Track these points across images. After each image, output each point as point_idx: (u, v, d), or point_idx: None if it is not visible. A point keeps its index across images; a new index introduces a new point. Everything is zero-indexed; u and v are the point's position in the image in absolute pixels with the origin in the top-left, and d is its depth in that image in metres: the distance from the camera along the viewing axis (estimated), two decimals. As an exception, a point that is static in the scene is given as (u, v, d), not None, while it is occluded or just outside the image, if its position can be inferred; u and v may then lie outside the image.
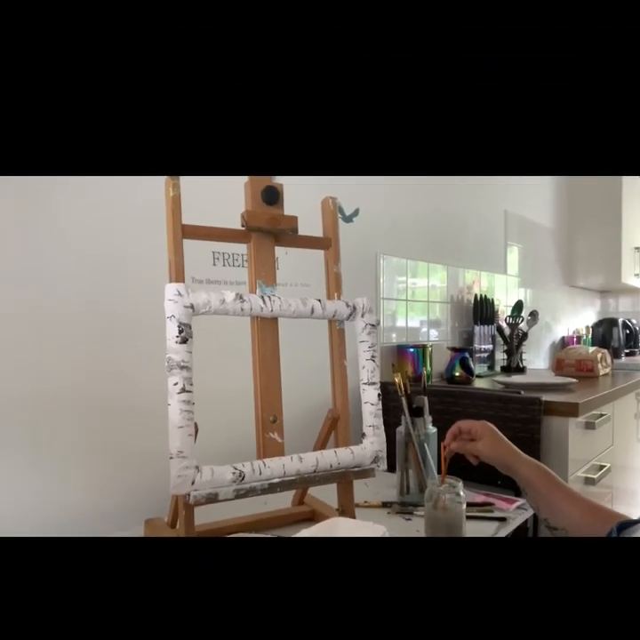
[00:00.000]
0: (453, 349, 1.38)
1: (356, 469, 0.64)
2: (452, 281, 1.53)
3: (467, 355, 1.35)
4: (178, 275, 0.57)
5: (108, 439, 0.74)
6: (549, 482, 0.58)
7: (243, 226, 0.62)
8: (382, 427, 0.66)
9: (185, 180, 0.58)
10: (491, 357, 1.62)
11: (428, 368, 1.26)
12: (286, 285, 0.95)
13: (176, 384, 0.54)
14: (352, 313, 0.67)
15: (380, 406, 0.67)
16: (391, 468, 0.76)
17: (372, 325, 0.68)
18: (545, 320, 2.08)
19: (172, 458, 0.53)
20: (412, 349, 1.25)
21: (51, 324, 0.69)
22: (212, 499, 0.55)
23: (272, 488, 0.58)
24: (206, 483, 0.54)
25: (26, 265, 0.67)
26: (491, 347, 1.61)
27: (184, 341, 0.55)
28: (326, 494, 0.70)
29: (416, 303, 1.38)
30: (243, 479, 0.56)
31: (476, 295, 1.58)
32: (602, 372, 1.49)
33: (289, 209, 0.64)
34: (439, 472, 0.66)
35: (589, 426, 1.13)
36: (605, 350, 1.56)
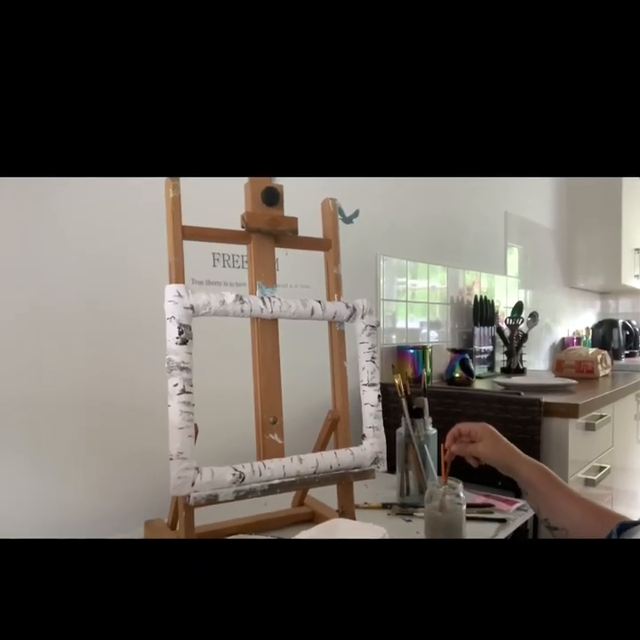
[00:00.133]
0: (453, 351, 1.38)
1: (356, 471, 0.64)
2: (451, 282, 1.53)
3: (467, 356, 1.35)
4: (178, 276, 0.57)
5: (107, 440, 0.74)
6: (550, 482, 0.58)
7: (243, 227, 0.62)
8: (382, 428, 0.66)
9: (185, 181, 0.58)
10: (491, 359, 1.62)
11: (428, 369, 1.26)
12: (286, 287, 0.95)
13: (176, 385, 0.54)
14: (352, 314, 0.67)
15: (380, 407, 0.67)
16: (391, 469, 0.75)
17: (372, 327, 0.68)
18: (545, 321, 2.08)
19: (171, 459, 0.53)
20: (412, 351, 1.25)
21: (51, 324, 0.69)
22: (212, 500, 0.55)
23: (272, 489, 0.58)
24: (206, 484, 0.54)
25: (26, 265, 0.67)
26: (491, 348, 1.61)
27: (184, 342, 0.55)
28: (326, 496, 0.70)
29: (416, 304, 1.38)
30: (243, 480, 0.56)
31: (475, 296, 1.58)
32: (602, 374, 1.49)
33: (289, 210, 0.64)
34: (439, 473, 0.66)
35: (589, 427, 1.13)
36: (605, 351, 1.56)
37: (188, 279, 0.59)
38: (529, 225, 1.97)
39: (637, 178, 2.20)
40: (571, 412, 1.03)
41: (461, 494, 0.61)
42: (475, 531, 0.66)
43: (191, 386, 0.55)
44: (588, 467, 1.17)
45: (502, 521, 0.71)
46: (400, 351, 1.27)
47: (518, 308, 1.71)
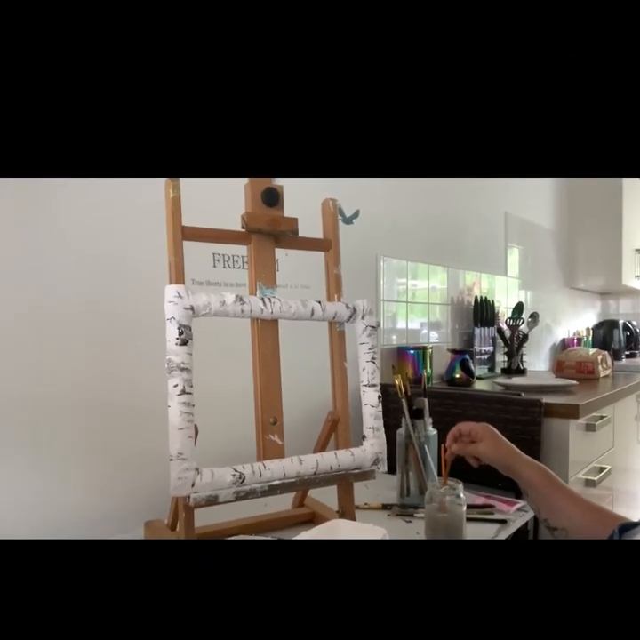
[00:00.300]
0: (454, 351, 1.37)
1: (357, 471, 0.64)
2: (452, 283, 1.53)
3: (467, 357, 1.35)
4: (178, 276, 0.57)
5: (107, 440, 0.74)
6: (550, 482, 0.58)
7: (243, 227, 0.62)
8: (382, 428, 0.66)
9: (185, 182, 0.58)
10: (491, 359, 1.61)
11: (429, 370, 1.26)
12: (286, 287, 0.95)
13: (176, 386, 0.54)
14: (352, 315, 0.67)
15: (381, 408, 0.67)
16: (391, 469, 0.75)
17: (373, 327, 0.67)
18: (545, 322, 2.08)
19: (171, 460, 0.53)
20: (412, 351, 1.25)
21: (51, 324, 0.69)
22: (212, 501, 0.55)
23: (272, 490, 0.58)
24: (206, 485, 0.54)
25: (26, 265, 0.67)
26: (491, 349, 1.61)
27: (184, 343, 0.55)
28: (326, 496, 0.70)
29: (416, 305, 1.38)
30: (243, 481, 0.56)
31: (476, 297, 1.57)
32: (602, 374, 1.49)
33: (289, 211, 0.64)
34: (439, 474, 0.66)
35: (590, 428, 1.13)
36: (606, 352, 1.56)
37: (188, 280, 0.59)
38: (529, 225, 1.97)
39: (638, 178, 2.20)
40: (571, 412, 1.03)
41: (462, 495, 0.61)
42: (475, 531, 0.66)
43: (191, 386, 0.55)
44: (589, 467, 1.17)
45: (503, 522, 0.71)
46: (400, 352, 1.27)
47: (519, 308, 1.71)
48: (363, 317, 0.67)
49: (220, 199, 0.78)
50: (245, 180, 0.63)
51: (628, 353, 2.39)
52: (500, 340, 1.65)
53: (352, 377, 0.67)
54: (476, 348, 1.54)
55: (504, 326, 1.68)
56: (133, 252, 0.77)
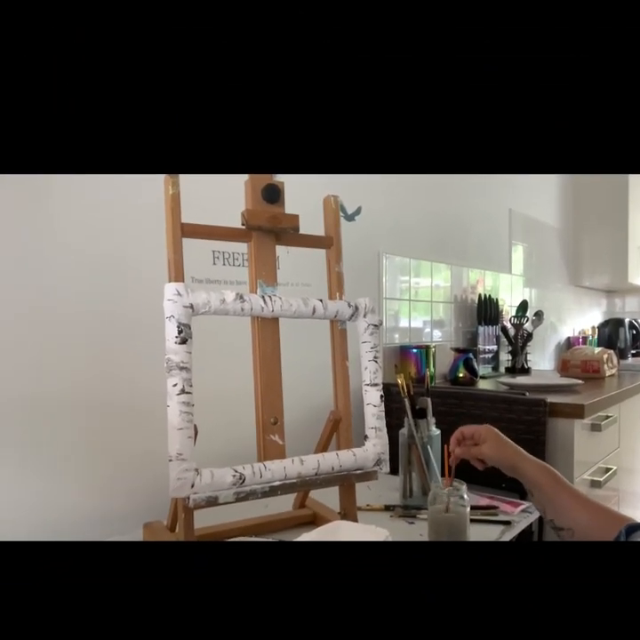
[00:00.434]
0: (457, 350, 1.36)
1: (358, 472, 0.63)
2: (455, 280, 1.52)
3: (470, 355, 1.34)
4: (177, 274, 0.57)
5: (107, 440, 0.73)
6: (556, 482, 0.58)
7: (243, 224, 0.62)
8: (385, 428, 0.65)
9: (184, 179, 0.58)
10: (495, 358, 1.60)
11: (432, 369, 1.25)
12: (287, 285, 0.94)
13: (175, 385, 0.54)
14: (354, 313, 0.66)
15: (383, 408, 0.66)
16: (394, 470, 0.75)
17: (375, 326, 0.67)
18: (550, 320, 2.06)
19: (171, 460, 0.53)
20: (415, 350, 1.24)
21: (51, 324, 0.68)
22: (212, 502, 0.54)
23: (273, 491, 0.57)
24: (206, 485, 0.53)
25: (26, 265, 0.66)
26: (495, 347, 1.60)
27: (183, 342, 0.54)
28: (328, 497, 0.70)
29: (419, 303, 1.37)
30: (243, 482, 0.55)
31: (479, 295, 1.56)
32: (608, 373, 1.47)
33: (290, 207, 0.64)
34: (442, 474, 0.65)
35: (595, 428, 1.12)
36: (611, 351, 1.55)
37: (187, 277, 0.59)
38: (534, 222, 1.96)
39: (644, 175, 2.17)
40: (576, 412, 1.02)
41: (465, 496, 0.60)
42: (479, 533, 0.66)
43: (191, 386, 0.54)
44: (594, 468, 1.16)
45: (507, 523, 0.70)
46: (403, 351, 1.26)
47: (523, 306, 1.70)
48: (365, 316, 0.66)
49: (220, 196, 0.77)
50: (246, 177, 0.62)
51: (633, 352, 2.37)
52: (504, 339, 1.64)
53: (354, 376, 0.67)
54: (480, 346, 1.53)
55: (508, 325, 1.66)
56: (133, 251, 0.76)
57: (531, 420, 0.98)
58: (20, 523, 0.65)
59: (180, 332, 0.54)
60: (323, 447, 0.66)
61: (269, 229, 0.62)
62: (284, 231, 0.63)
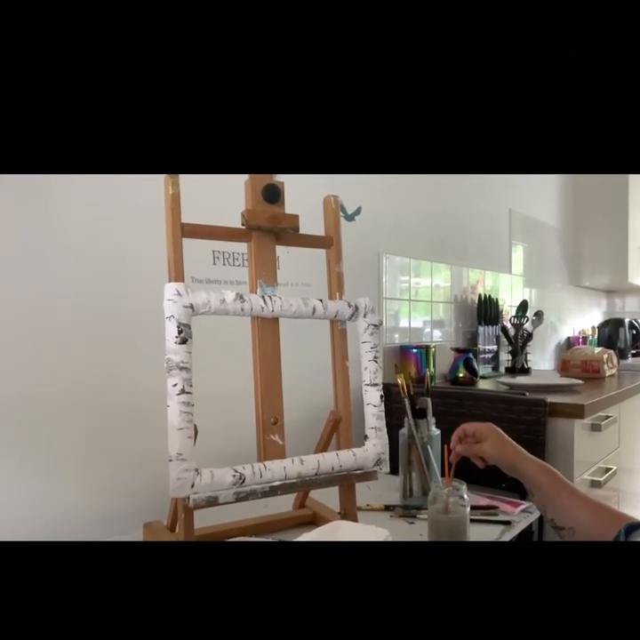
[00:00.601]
0: (457, 350, 1.36)
1: (358, 472, 0.63)
2: (455, 280, 1.52)
3: (470, 355, 1.34)
4: (177, 274, 0.57)
5: (107, 440, 0.73)
6: (556, 482, 0.58)
7: (243, 224, 0.62)
8: (385, 428, 0.65)
9: (185, 179, 0.58)
10: (495, 358, 1.60)
11: (432, 369, 1.25)
12: (287, 285, 0.94)
13: (175, 385, 0.54)
14: (354, 313, 0.66)
15: (383, 408, 0.66)
16: (394, 470, 0.74)
17: (375, 326, 0.67)
18: (550, 320, 2.06)
19: (171, 460, 0.53)
20: (415, 350, 1.24)
21: (51, 324, 0.68)
22: (212, 502, 0.54)
23: (273, 491, 0.57)
24: (206, 485, 0.53)
25: (26, 265, 0.66)
26: (495, 347, 1.60)
27: (183, 342, 0.54)
28: (328, 497, 0.70)
29: (419, 303, 1.37)
30: (243, 482, 0.55)
31: (479, 295, 1.56)
32: (608, 373, 1.47)
33: (290, 207, 0.64)
34: (442, 474, 0.65)
35: (595, 428, 1.12)
36: (611, 351, 1.55)
37: (187, 277, 0.59)
38: (534, 222, 1.96)
39: (644, 175, 2.17)
40: (576, 412, 1.01)
41: (465, 496, 0.60)
42: (479, 533, 0.66)
43: (191, 386, 0.54)
44: (594, 468, 1.16)
45: (507, 523, 0.70)
46: (403, 351, 1.26)
47: (523, 306, 1.70)
48: (365, 316, 0.66)
49: (220, 196, 0.77)
50: (246, 177, 0.62)
51: (633, 352, 2.37)
52: (504, 339, 1.64)
53: (354, 376, 0.67)
54: (480, 346, 1.53)
55: (508, 325, 1.66)
56: (133, 251, 0.76)
57: (531, 419, 0.98)
58: (20, 523, 0.65)
59: (180, 332, 0.54)
60: (323, 447, 0.66)
61: (269, 229, 0.62)
62: (284, 231, 0.63)
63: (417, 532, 0.68)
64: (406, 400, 0.78)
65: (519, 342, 1.63)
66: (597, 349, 1.53)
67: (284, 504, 0.72)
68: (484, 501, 0.77)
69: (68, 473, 0.69)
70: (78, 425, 0.71)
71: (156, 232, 0.62)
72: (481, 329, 1.54)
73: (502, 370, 1.63)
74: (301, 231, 0.64)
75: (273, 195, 0.62)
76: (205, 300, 0.56)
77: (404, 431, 0.79)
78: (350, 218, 1.12)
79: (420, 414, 0.78)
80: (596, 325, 2.46)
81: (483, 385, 1.34)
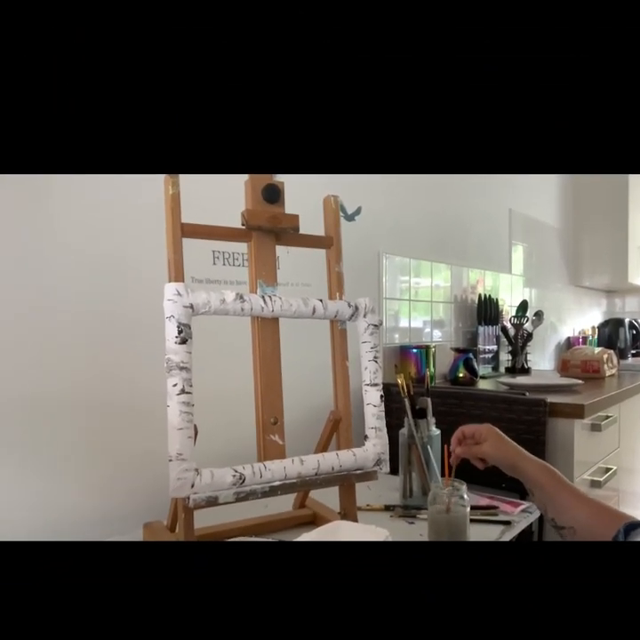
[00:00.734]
0: (457, 350, 1.36)
1: (358, 472, 0.63)
2: (455, 280, 1.52)
3: (470, 355, 1.34)
4: (177, 274, 0.57)
5: (107, 440, 0.73)
6: (556, 481, 0.58)
7: (243, 224, 0.62)
8: (385, 428, 0.65)
9: (184, 179, 0.58)
10: (495, 358, 1.60)
11: (432, 369, 1.25)
12: (287, 285, 0.94)
13: (175, 385, 0.54)
14: (354, 313, 0.66)
15: (383, 408, 0.66)
16: (394, 470, 0.74)
17: (375, 326, 0.67)
18: (550, 320, 2.06)
19: (171, 460, 0.53)
20: (415, 350, 1.24)
21: (51, 324, 0.68)
22: (212, 502, 0.54)
23: (273, 491, 0.57)
24: (206, 485, 0.53)
25: (26, 265, 0.66)
26: (495, 347, 1.60)
27: (183, 342, 0.54)
28: (328, 497, 0.70)
29: (419, 303, 1.37)
30: (243, 482, 0.55)
31: (480, 295, 1.56)
32: (608, 373, 1.47)
33: (290, 207, 0.64)
34: (442, 474, 0.65)
35: (595, 428, 1.12)
36: (611, 351, 1.55)
37: (187, 277, 0.59)
38: (534, 222, 1.96)
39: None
40: (576, 412, 1.01)
41: (465, 496, 0.60)
42: (479, 533, 0.66)
43: (191, 386, 0.54)
44: (594, 468, 1.16)
45: (507, 523, 0.70)
46: (403, 351, 1.26)
47: (523, 306, 1.70)
48: (365, 316, 0.66)
49: (220, 196, 0.77)
50: (246, 177, 0.62)
51: (633, 352, 2.37)
52: (504, 339, 1.64)
53: (354, 376, 0.67)
54: (480, 346, 1.53)
55: (508, 325, 1.66)
56: (133, 251, 0.76)
57: (531, 419, 0.98)
58: (20, 523, 0.65)
59: (180, 332, 0.54)
60: (323, 447, 0.66)
61: (269, 229, 0.62)
62: (284, 231, 0.63)
63: (417, 532, 0.68)
64: (406, 400, 0.78)
65: (519, 342, 1.63)
66: (597, 349, 1.53)
67: (284, 504, 0.72)
68: (484, 501, 0.77)
69: (67, 473, 0.69)
70: (78, 425, 0.71)
71: (156, 232, 0.62)
72: (481, 329, 1.54)
73: (502, 370, 1.63)
74: (301, 231, 0.64)
75: (273, 195, 0.62)
76: (205, 300, 0.56)
77: (403, 431, 0.79)
78: (350, 218, 1.12)
79: (420, 414, 0.78)
80: (595, 325, 2.46)
81: (483, 385, 1.34)
